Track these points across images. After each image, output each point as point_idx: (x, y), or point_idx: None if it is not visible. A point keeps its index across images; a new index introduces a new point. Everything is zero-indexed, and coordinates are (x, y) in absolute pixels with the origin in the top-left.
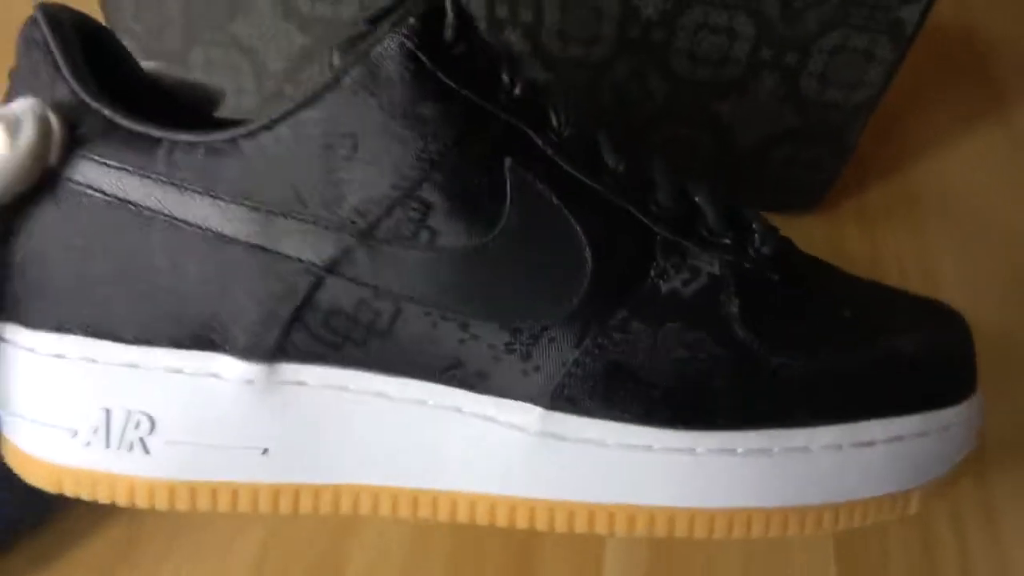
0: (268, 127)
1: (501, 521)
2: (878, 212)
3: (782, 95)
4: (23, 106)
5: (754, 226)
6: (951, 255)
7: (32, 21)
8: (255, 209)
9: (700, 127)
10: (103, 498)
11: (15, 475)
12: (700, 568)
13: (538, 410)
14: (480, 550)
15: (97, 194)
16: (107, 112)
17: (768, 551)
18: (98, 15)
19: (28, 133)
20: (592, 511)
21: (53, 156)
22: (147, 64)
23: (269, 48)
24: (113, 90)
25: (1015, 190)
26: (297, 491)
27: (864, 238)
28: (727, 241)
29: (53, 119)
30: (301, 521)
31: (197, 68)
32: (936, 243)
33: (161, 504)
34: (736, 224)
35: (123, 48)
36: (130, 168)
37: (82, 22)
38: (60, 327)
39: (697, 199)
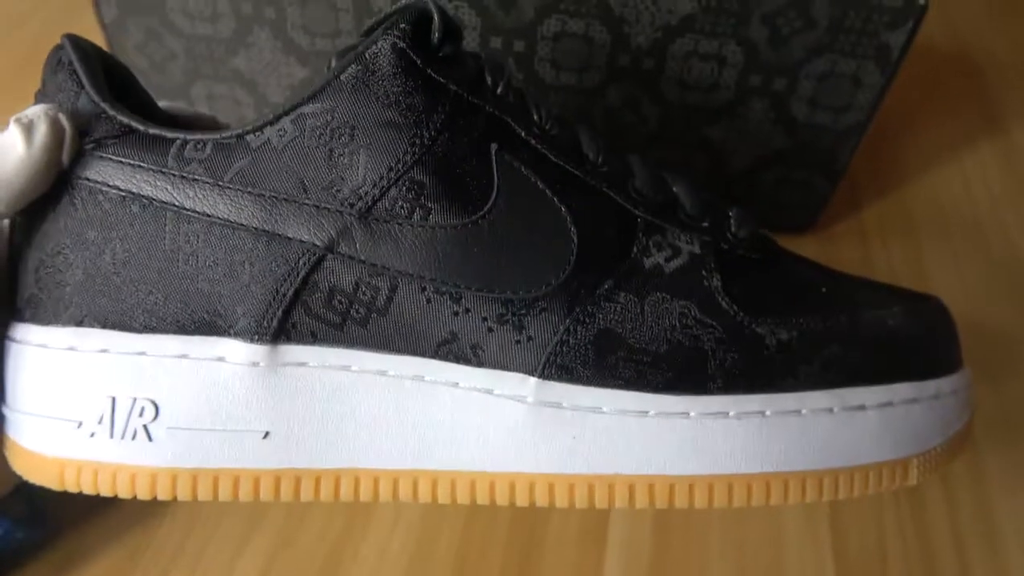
0: (272, 122)
1: (501, 499)
2: (872, 231)
3: (772, 118)
4: (36, 110)
5: (730, 213)
6: (946, 273)
7: (59, 47)
8: (260, 196)
9: (693, 150)
10: (105, 490)
11: (18, 495)
12: (697, 569)
13: (533, 380)
14: (484, 554)
15: (112, 190)
16: (123, 118)
17: (764, 550)
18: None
19: (42, 133)
20: (591, 483)
21: (65, 156)
22: (164, 104)
23: (270, 81)
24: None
25: (1009, 207)
26: (298, 476)
27: (859, 258)
28: (705, 224)
29: (64, 120)
30: (306, 531)
31: (200, 102)
32: (931, 261)
33: (163, 493)
34: (713, 211)
35: (136, 81)
36: (144, 164)
37: (101, 53)
38: (74, 320)
39: (675, 189)
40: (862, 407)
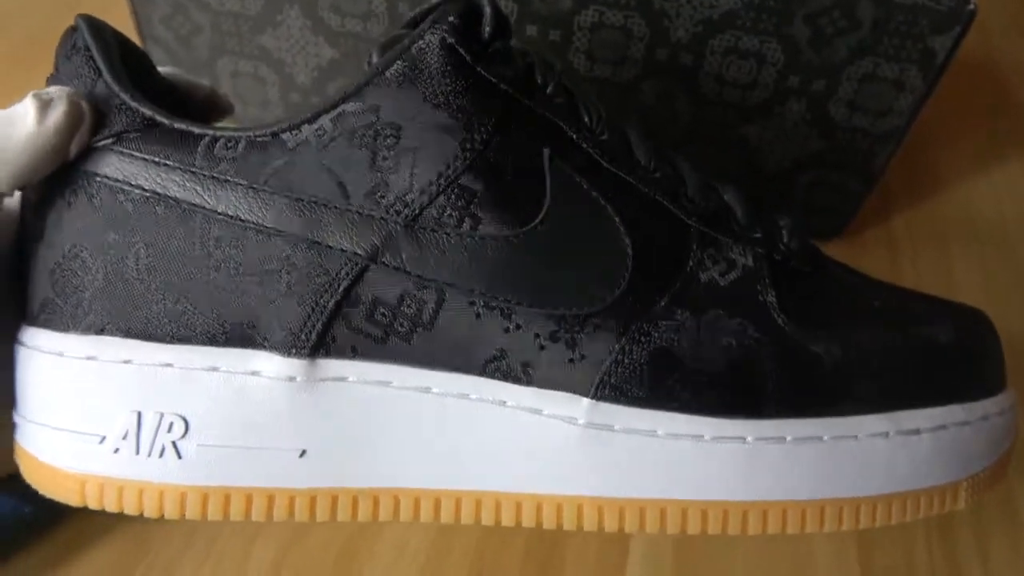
0: (310, 120)
1: (548, 522)
2: (903, 239)
3: (809, 120)
4: (58, 90)
5: (781, 223)
6: (976, 283)
7: (73, 29)
8: (297, 201)
9: (726, 149)
10: (130, 509)
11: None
12: None
13: (585, 401)
14: (501, 560)
15: (135, 190)
16: (147, 111)
17: (790, 566)
18: (128, 22)
19: (58, 113)
20: (642, 507)
21: (75, 146)
22: (163, 70)
23: (297, 61)
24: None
25: None
26: (335, 496)
27: (889, 265)
28: (758, 235)
29: (85, 105)
30: (318, 532)
31: (224, 78)
32: (960, 271)
33: (193, 513)
34: (764, 220)
35: (151, 63)
36: (169, 162)
37: (119, 36)
38: (93, 328)
39: (725, 197)
40: (917, 431)
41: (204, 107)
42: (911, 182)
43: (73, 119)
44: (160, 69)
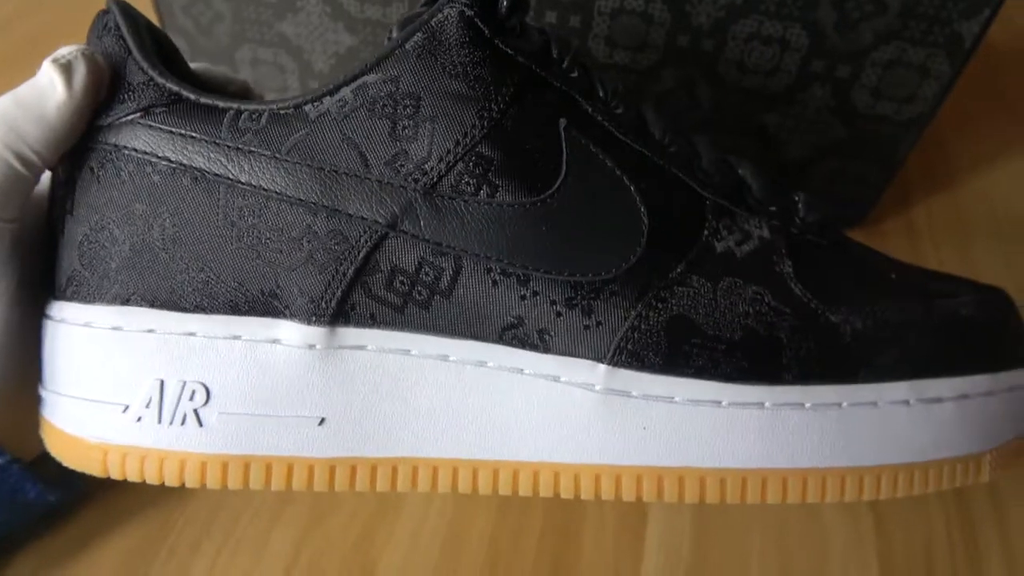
0: (331, 92)
1: (565, 491)
2: (923, 229)
3: (832, 107)
4: (71, 50)
5: (797, 197)
6: (996, 273)
7: (105, 12)
8: (319, 170)
9: (746, 136)
10: (151, 477)
11: (50, 457)
12: (737, 569)
13: (602, 367)
14: (517, 545)
15: (162, 161)
16: (173, 86)
17: (806, 550)
18: (149, 10)
19: (82, 74)
20: (660, 475)
21: (100, 97)
22: (194, 65)
23: (316, 48)
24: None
25: None
26: (354, 465)
27: (910, 254)
28: (773, 209)
29: (100, 58)
30: (337, 514)
31: (244, 65)
32: (981, 261)
33: (213, 482)
34: (781, 195)
35: (176, 49)
36: (195, 135)
37: (148, 22)
38: (119, 298)
39: (741, 172)
40: (939, 399)
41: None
42: (931, 171)
43: (96, 76)
44: (192, 65)
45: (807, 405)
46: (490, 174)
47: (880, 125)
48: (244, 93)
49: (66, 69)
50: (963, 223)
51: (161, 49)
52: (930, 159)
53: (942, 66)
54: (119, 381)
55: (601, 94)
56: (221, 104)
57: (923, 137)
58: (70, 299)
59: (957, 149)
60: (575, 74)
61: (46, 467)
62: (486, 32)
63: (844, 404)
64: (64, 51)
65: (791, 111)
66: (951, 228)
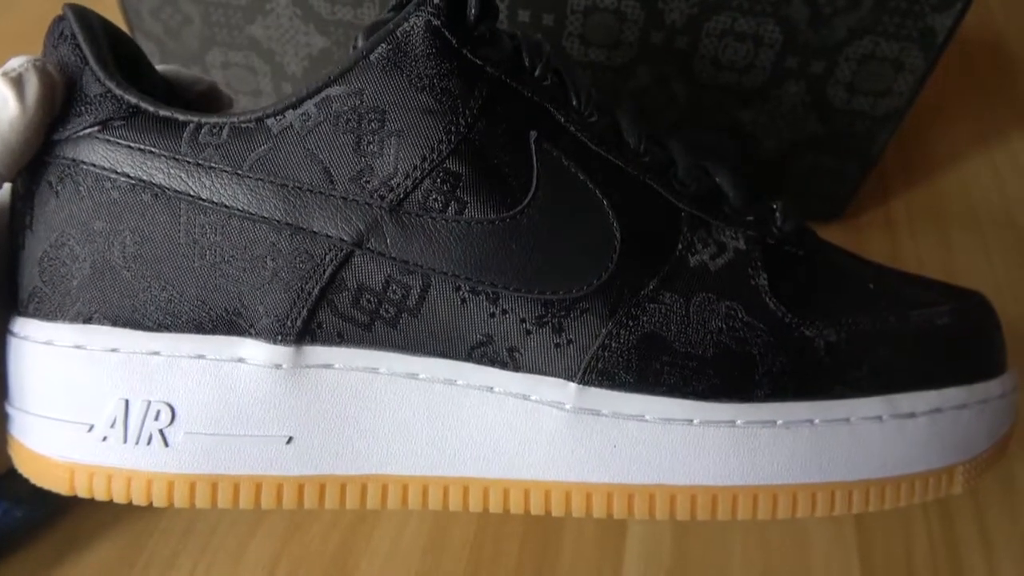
0: (294, 105)
1: (536, 508)
2: (901, 223)
3: (807, 102)
4: (21, 61)
5: (774, 206)
6: (975, 266)
7: (60, 19)
8: (282, 187)
9: (722, 132)
10: (119, 496)
11: (20, 475)
12: (719, 570)
13: (572, 385)
14: (497, 552)
15: (121, 177)
16: (132, 98)
17: (788, 552)
18: (116, 15)
19: (34, 87)
20: (631, 493)
21: (55, 110)
22: (162, 67)
23: (287, 50)
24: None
25: None
26: (323, 484)
27: (889, 247)
28: (750, 218)
29: (53, 70)
30: (315, 524)
31: (215, 69)
32: (960, 254)
33: (181, 501)
34: (758, 203)
35: (142, 53)
36: (155, 150)
37: (108, 26)
38: (81, 316)
39: (718, 180)
40: (912, 414)
41: (204, 101)
42: (909, 164)
43: (49, 89)
44: (159, 68)
45: (779, 423)
46: (458, 190)
47: (856, 119)
48: (212, 93)
49: (16, 83)
50: (941, 215)
51: (124, 55)
52: (907, 152)
53: (916, 60)
54: (83, 400)
55: (575, 102)
56: (181, 117)
57: (902, 131)
58: (32, 316)
59: (934, 141)
60: (547, 82)
61: (14, 484)
62: (453, 42)
63: (816, 421)
64: (14, 63)
65: (767, 107)
66: (929, 220)
